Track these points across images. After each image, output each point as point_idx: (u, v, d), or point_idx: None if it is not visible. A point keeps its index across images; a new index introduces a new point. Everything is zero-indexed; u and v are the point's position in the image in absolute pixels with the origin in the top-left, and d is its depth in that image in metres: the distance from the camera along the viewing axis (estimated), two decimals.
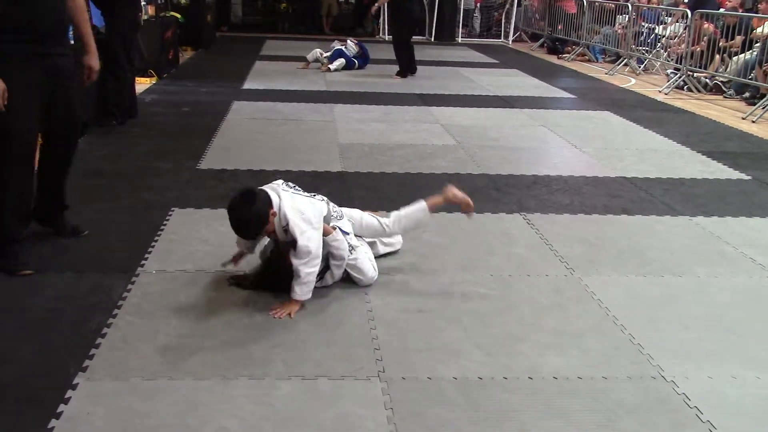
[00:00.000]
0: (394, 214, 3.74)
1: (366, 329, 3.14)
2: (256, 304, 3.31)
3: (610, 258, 4.05)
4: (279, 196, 3.28)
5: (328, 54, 11.00)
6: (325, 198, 3.55)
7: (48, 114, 3.70)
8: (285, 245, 3.30)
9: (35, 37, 3.50)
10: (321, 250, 3.26)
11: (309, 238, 3.20)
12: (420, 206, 3.73)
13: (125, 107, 6.83)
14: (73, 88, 3.77)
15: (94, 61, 3.89)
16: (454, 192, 3.78)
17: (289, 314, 3.21)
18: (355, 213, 3.74)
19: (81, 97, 3.89)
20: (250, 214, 3.21)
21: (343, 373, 2.79)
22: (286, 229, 3.23)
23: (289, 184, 3.46)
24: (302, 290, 3.23)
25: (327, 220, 3.39)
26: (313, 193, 3.51)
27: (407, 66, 10.48)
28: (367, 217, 3.73)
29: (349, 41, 11.26)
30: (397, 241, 3.95)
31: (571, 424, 2.54)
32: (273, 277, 3.39)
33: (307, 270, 3.21)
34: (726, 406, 2.70)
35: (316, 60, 11.04)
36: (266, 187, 3.36)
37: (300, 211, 3.24)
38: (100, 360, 2.80)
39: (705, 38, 10.27)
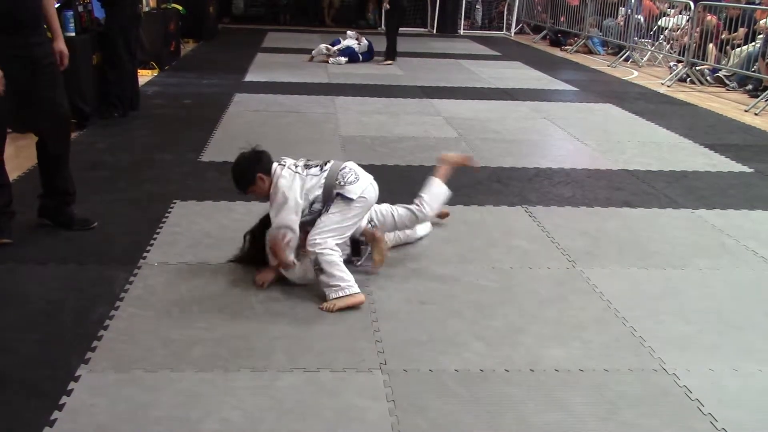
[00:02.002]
0: (418, 200, 3.81)
1: (368, 321, 3.14)
2: (257, 296, 3.32)
3: (611, 251, 4.05)
4: (278, 170, 3.42)
5: (340, 47, 10.96)
6: (346, 164, 3.56)
7: (32, 107, 3.73)
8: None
9: (14, 28, 3.52)
10: (295, 226, 3.34)
11: (283, 217, 3.33)
12: (436, 183, 3.88)
13: (127, 99, 6.83)
14: (52, 77, 3.76)
15: (62, 45, 3.85)
16: (451, 156, 4.02)
17: (262, 284, 3.39)
18: (385, 208, 3.79)
19: (62, 88, 3.83)
20: (239, 169, 3.48)
21: (345, 365, 2.79)
22: None
23: (304, 163, 3.50)
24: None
25: (331, 185, 3.42)
26: (323, 161, 3.53)
27: (394, 50, 11.07)
28: (399, 209, 3.79)
29: (364, 39, 11.24)
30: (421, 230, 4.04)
31: (572, 417, 2.55)
32: (259, 251, 3.50)
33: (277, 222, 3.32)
34: (727, 398, 2.70)
35: (322, 54, 11.00)
36: (279, 160, 3.49)
37: (283, 190, 3.34)
38: (103, 352, 2.81)
39: (697, 29, 10.24)
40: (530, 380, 2.76)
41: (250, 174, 3.41)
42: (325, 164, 3.51)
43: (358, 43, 11.14)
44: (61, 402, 2.48)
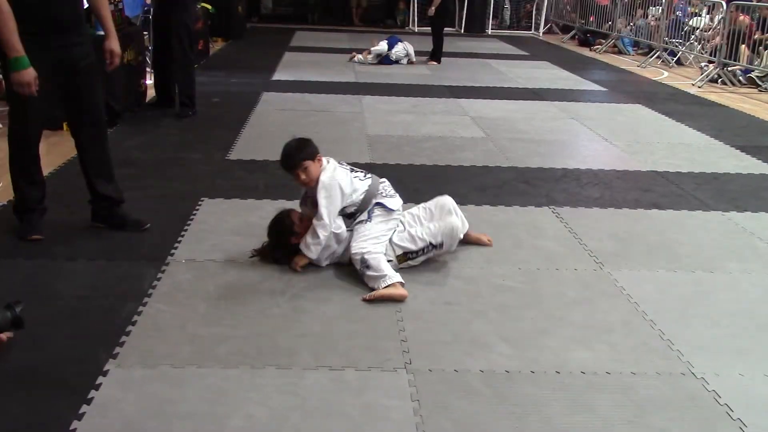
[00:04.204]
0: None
1: (393, 321, 3.14)
2: (284, 294, 3.33)
3: (640, 253, 4.01)
4: (332, 163, 3.57)
5: (383, 52, 10.79)
6: (375, 176, 3.72)
7: (70, 111, 3.78)
8: (306, 207, 3.65)
9: (52, 28, 3.54)
10: (338, 220, 3.52)
11: (329, 206, 3.47)
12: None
13: (194, 97, 6.92)
14: (91, 80, 3.76)
15: (115, 44, 3.82)
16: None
17: (297, 267, 3.53)
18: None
19: (100, 91, 3.85)
20: (302, 144, 3.56)
21: (370, 364, 2.79)
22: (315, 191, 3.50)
23: (350, 167, 3.71)
24: (310, 246, 3.49)
25: (372, 194, 3.59)
26: (364, 172, 3.73)
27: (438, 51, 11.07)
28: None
29: (405, 60, 10.95)
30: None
31: (598, 419, 2.53)
32: (282, 246, 3.60)
33: (319, 230, 3.46)
34: (757, 404, 2.66)
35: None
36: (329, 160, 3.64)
37: (336, 185, 3.48)
38: (131, 347, 2.84)
39: (724, 30, 10.10)
40: (556, 382, 2.74)
41: (310, 152, 3.52)
42: (366, 174, 3.69)
43: (398, 59, 10.89)
44: (89, 396, 2.51)
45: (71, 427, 2.35)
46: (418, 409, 2.53)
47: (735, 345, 3.07)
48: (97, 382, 2.59)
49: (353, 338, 2.98)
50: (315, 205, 3.51)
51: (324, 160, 3.58)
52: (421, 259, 3.60)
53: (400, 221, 3.68)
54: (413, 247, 3.56)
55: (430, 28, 11.43)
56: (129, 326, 2.99)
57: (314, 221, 3.49)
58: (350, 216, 3.61)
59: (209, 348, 2.85)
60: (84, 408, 2.45)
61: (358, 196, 3.57)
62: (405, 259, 3.56)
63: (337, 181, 3.50)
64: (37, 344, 2.83)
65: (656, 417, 2.55)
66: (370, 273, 3.37)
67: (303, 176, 3.52)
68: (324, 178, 3.49)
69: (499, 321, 3.18)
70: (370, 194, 3.58)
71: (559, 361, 2.88)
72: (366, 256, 3.40)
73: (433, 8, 10.73)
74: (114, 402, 2.49)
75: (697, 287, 3.63)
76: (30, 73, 3.39)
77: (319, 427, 2.41)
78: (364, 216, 3.56)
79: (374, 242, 3.48)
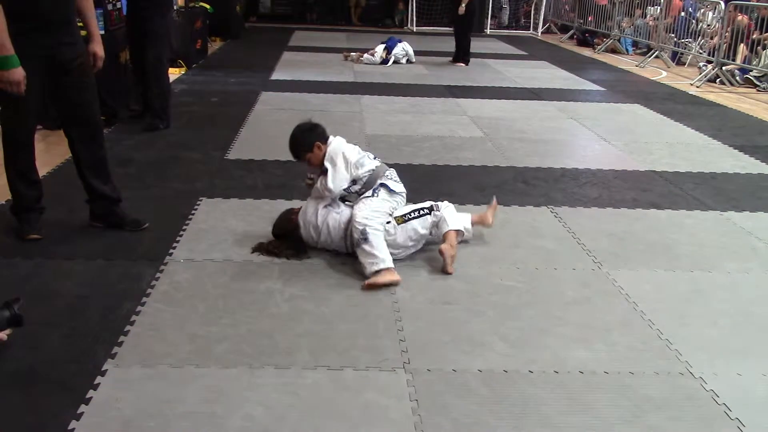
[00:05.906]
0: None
1: (391, 320, 3.14)
2: (283, 294, 3.33)
3: (638, 252, 4.01)
4: (338, 138, 3.78)
5: (383, 55, 10.79)
6: (384, 163, 3.89)
7: (61, 111, 3.78)
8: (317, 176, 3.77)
9: (42, 26, 3.52)
10: (342, 185, 3.68)
11: (333, 173, 3.64)
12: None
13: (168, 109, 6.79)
14: (82, 80, 3.73)
15: (98, 48, 3.82)
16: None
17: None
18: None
19: (94, 92, 3.81)
20: (298, 135, 3.76)
21: (369, 363, 2.80)
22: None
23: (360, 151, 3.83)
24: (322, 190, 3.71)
25: (378, 175, 3.74)
26: (375, 155, 3.89)
27: (467, 53, 11.14)
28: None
29: (404, 60, 10.97)
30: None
31: (596, 419, 2.53)
32: (285, 236, 3.78)
33: (325, 193, 3.68)
34: (755, 403, 2.67)
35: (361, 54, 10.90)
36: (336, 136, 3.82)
37: (339, 152, 3.68)
38: (129, 347, 2.84)
39: (728, 29, 10.10)
40: (554, 382, 2.74)
41: (310, 140, 3.71)
42: (376, 157, 3.87)
43: (398, 59, 10.91)
44: (87, 396, 2.51)
45: (70, 427, 2.35)
46: (416, 408, 2.53)
47: (733, 344, 3.08)
48: (96, 381, 2.59)
49: (352, 338, 2.98)
50: (324, 173, 3.70)
51: (330, 138, 3.75)
52: (418, 220, 3.73)
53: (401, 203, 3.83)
54: (408, 210, 3.77)
55: (452, 29, 11.39)
56: (127, 326, 2.99)
57: (320, 185, 3.67)
58: (357, 194, 3.76)
59: (208, 347, 2.86)
60: (82, 408, 2.45)
61: (364, 172, 3.72)
62: (403, 220, 3.71)
63: (341, 150, 3.69)
64: (35, 344, 2.83)
65: (654, 416, 2.56)
66: (365, 247, 3.48)
67: (308, 163, 3.79)
68: (330, 149, 3.69)
69: (497, 320, 3.18)
70: (375, 175, 3.74)
71: (558, 361, 2.88)
72: (368, 230, 3.51)
73: (463, 5, 10.59)
74: (112, 401, 2.49)
75: (696, 287, 3.63)
76: (19, 72, 3.38)
77: (317, 427, 2.41)
78: (369, 193, 3.70)
79: (376, 213, 3.61)
